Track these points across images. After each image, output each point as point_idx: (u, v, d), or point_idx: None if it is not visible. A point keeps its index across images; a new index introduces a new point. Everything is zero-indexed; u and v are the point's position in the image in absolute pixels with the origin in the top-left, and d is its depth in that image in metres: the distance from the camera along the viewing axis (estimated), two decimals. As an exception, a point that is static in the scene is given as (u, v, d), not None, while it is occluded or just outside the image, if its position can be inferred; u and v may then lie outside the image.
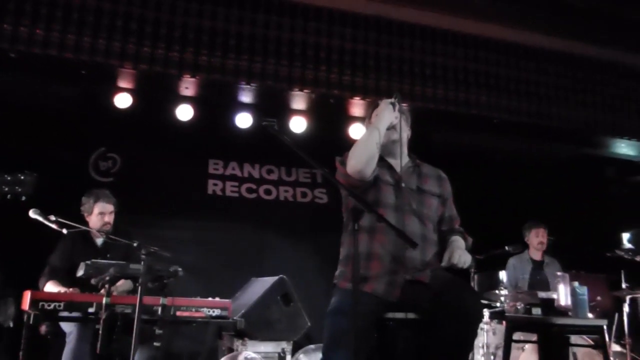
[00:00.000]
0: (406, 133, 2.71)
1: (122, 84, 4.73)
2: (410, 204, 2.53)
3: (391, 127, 2.57)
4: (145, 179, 5.35)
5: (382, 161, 2.62)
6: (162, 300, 3.06)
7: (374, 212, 2.30)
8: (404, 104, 2.82)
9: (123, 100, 4.86)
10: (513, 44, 5.26)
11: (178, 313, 3.32)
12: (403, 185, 2.57)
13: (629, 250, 4.39)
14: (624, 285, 4.76)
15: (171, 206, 5.35)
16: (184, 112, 5.07)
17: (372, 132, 2.49)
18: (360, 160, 2.44)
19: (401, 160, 2.59)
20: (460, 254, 2.38)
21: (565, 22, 5.29)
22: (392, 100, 2.58)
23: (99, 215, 3.78)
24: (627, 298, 4.73)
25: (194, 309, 3.38)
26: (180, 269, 3.09)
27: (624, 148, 5.88)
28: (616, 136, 5.56)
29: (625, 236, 4.45)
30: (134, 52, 4.29)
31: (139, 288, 2.76)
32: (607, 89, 5.53)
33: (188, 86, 4.74)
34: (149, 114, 5.15)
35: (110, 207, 3.83)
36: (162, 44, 4.37)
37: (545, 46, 5.36)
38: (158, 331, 2.90)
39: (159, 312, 3.04)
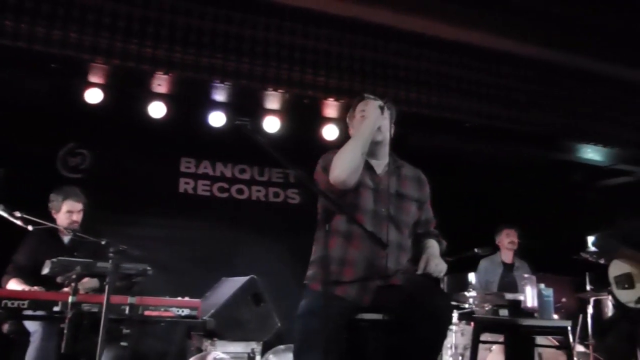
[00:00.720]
0: (389, 133, 2.64)
1: (93, 78, 4.64)
2: (388, 210, 2.49)
3: (378, 129, 2.52)
4: (115, 176, 5.27)
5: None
6: (130, 299, 3.02)
7: (346, 213, 2.30)
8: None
9: (94, 96, 4.74)
10: (485, 49, 5.32)
11: (146, 312, 3.27)
12: (382, 188, 2.53)
13: (593, 253, 4.49)
14: (588, 287, 4.88)
15: (141, 204, 5.28)
16: (157, 109, 4.99)
17: (358, 142, 2.43)
18: (345, 171, 2.38)
19: (389, 163, 2.57)
20: (437, 263, 2.39)
21: (536, 29, 5.38)
22: (381, 103, 2.53)
23: (67, 213, 3.72)
24: (591, 300, 4.85)
25: (162, 309, 3.33)
26: (149, 268, 3.06)
27: (590, 153, 6.01)
28: (583, 142, 5.68)
29: (590, 239, 4.55)
30: (106, 46, 4.21)
31: (106, 287, 2.71)
32: (575, 96, 5.64)
33: (161, 83, 4.68)
34: (120, 110, 5.06)
35: (79, 206, 3.77)
36: (135, 40, 4.29)
37: (517, 52, 5.44)
38: (125, 331, 2.86)
39: (127, 311, 3.00)
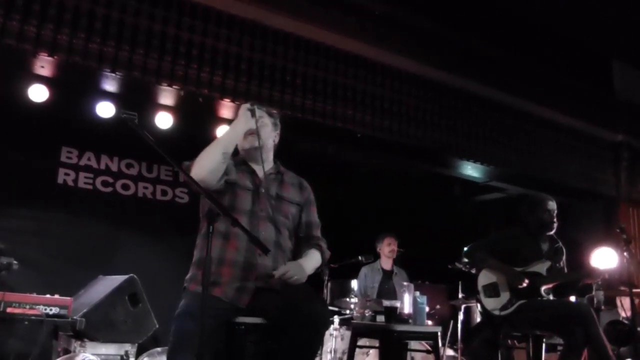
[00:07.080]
0: (272, 139, 2.71)
1: (-34, 54, 4.25)
2: (267, 210, 2.54)
3: (253, 134, 2.56)
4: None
5: (245, 165, 2.63)
6: (-11, 295, 2.80)
7: (229, 216, 2.29)
8: (275, 111, 2.84)
9: (-35, 72, 4.36)
10: (380, 64, 5.53)
11: (9, 310, 3.05)
12: (262, 191, 2.58)
13: (466, 263, 4.79)
14: (460, 295, 5.20)
15: (13, 193, 4.91)
16: (38, 93, 4.65)
17: (218, 142, 2.47)
18: (203, 169, 2.40)
19: (263, 166, 2.59)
20: (291, 276, 2.39)
21: (427, 50, 5.71)
22: (250, 106, 2.57)
23: None
24: (462, 307, 5.17)
25: (28, 306, 3.12)
26: (15, 262, 2.87)
27: (469, 170, 6.43)
28: (463, 158, 6.05)
29: (464, 250, 4.87)
30: (-18, 21, 3.87)
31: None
32: (458, 115, 6.02)
33: (44, 65, 4.37)
34: (-4, 90, 4.68)
35: None
36: (17, 16, 3.98)
37: (409, 70, 5.71)
38: (-19, 329, 2.65)
39: (-15, 308, 2.77)
